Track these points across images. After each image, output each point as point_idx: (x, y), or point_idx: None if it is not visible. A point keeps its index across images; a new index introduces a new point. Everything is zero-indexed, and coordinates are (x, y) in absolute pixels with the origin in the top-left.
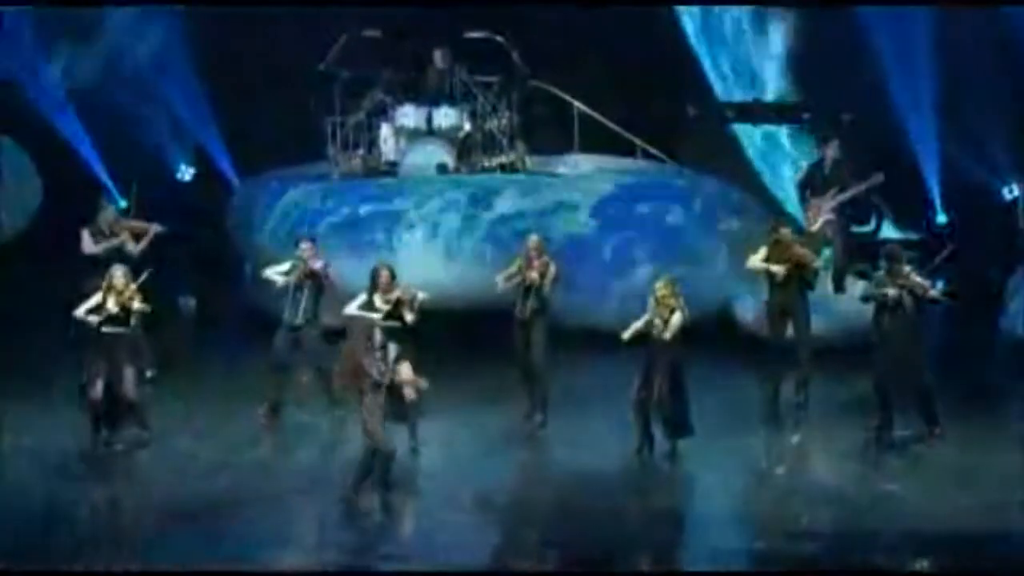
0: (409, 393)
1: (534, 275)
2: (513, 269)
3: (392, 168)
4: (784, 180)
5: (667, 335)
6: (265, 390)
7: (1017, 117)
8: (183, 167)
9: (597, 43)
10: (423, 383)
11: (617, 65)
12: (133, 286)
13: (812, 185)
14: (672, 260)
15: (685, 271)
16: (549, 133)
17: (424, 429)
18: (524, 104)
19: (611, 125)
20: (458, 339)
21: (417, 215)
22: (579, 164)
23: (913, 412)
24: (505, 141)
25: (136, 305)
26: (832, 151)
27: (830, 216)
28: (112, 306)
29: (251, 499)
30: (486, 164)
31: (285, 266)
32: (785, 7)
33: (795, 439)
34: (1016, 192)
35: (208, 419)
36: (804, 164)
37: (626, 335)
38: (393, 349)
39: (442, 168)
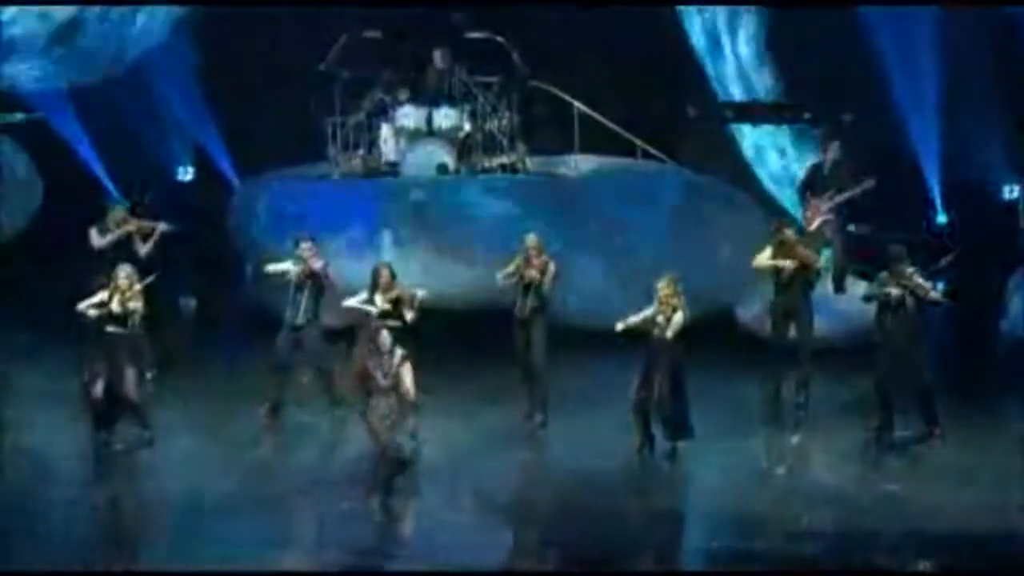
0: (409, 394)
1: (533, 273)
2: (511, 268)
3: (393, 168)
4: (784, 181)
5: (669, 334)
6: (265, 390)
7: (1017, 117)
8: (183, 167)
9: (597, 43)
10: (418, 397)
11: (617, 65)
12: (138, 287)
13: (812, 186)
14: (672, 260)
15: (685, 271)
16: (549, 133)
17: (424, 429)
18: (524, 104)
19: (611, 125)
20: (458, 339)
21: (417, 214)
22: (579, 164)
23: (913, 412)
24: (505, 141)
25: (132, 305)
26: (832, 152)
27: (828, 216)
28: (115, 306)
29: (251, 499)
30: (486, 164)
31: (285, 265)
32: (785, 7)
33: (795, 439)
34: (1016, 192)
35: (208, 419)
36: (805, 165)
37: (620, 326)
38: (399, 354)
39: (442, 168)
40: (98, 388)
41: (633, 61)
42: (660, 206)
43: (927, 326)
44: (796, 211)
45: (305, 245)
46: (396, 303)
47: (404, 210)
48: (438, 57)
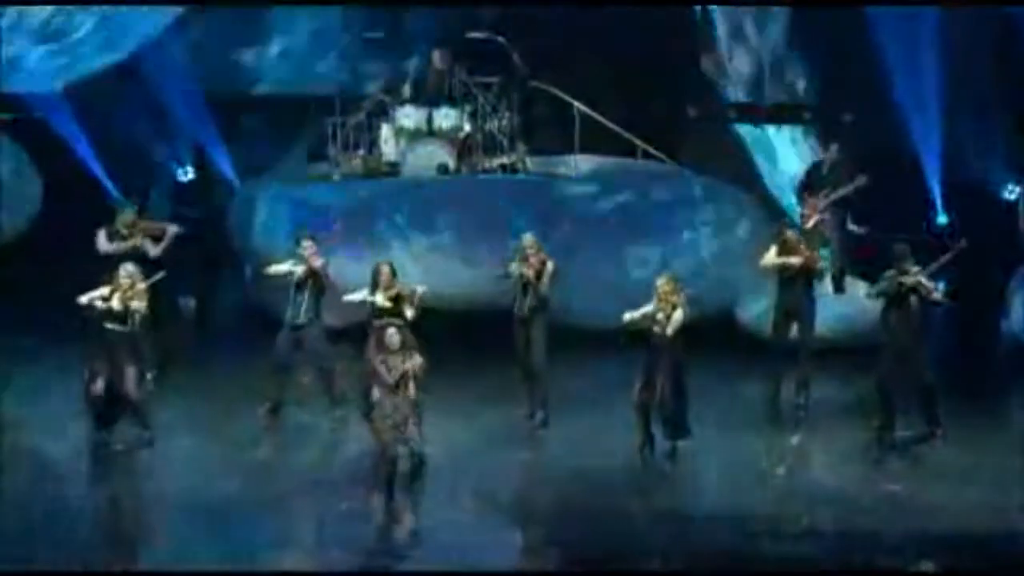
0: (411, 392)
1: (529, 272)
2: (510, 268)
3: (393, 169)
4: (785, 181)
5: (669, 331)
6: (266, 390)
7: (1017, 117)
8: (183, 167)
9: (597, 43)
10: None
11: (617, 65)
12: (141, 285)
13: (811, 185)
14: (673, 260)
15: (686, 271)
16: (549, 133)
17: (425, 429)
18: (524, 105)
19: (611, 125)
20: (458, 339)
21: (417, 214)
22: (579, 164)
23: (915, 412)
24: (505, 142)
25: (134, 304)
26: (832, 152)
27: (824, 215)
28: (116, 303)
29: (252, 499)
30: (487, 165)
31: (287, 266)
32: (786, 7)
33: (796, 439)
34: (1016, 192)
35: (209, 419)
36: (806, 165)
37: (626, 317)
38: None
39: (443, 169)
40: (98, 386)
41: (633, 61)
42: (660, 206)
43: (928, 326)
44: (795, 212)
45: (306, 243)
46: (396, 300)
47: (404, 210)
48: (438, 57)
